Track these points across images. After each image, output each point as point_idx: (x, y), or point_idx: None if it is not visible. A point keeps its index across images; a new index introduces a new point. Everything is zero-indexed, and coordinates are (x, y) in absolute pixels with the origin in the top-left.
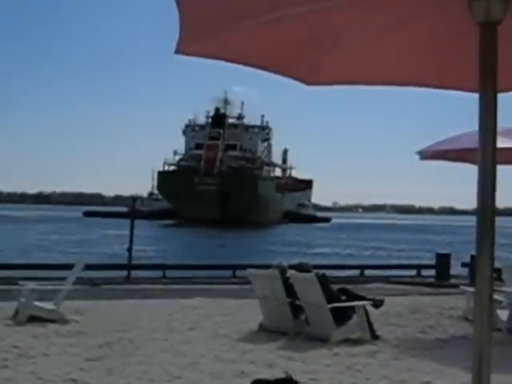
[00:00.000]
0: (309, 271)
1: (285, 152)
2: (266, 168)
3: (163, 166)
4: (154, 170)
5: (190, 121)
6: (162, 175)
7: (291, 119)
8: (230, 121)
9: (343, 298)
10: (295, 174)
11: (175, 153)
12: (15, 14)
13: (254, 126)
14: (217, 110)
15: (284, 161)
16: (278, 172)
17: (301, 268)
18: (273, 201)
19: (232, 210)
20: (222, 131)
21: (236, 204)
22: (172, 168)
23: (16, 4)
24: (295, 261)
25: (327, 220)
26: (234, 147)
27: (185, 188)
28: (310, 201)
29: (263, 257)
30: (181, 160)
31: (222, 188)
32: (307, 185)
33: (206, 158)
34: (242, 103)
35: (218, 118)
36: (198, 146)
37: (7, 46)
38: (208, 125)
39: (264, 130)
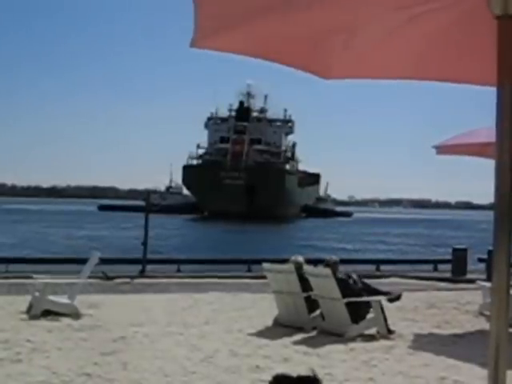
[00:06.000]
0: (330, 267)
1: (293, 146)
2: (291, 162)
3: (187, 160)
4: (171, 163)
5: (211, 114)
6: (188, 169)
7: (306, 113)
8: (254, 114)
9: (364, 294)
10: (301, 167)
11: (198, 146)
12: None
13: (277, 120)
14: (241, 103)
15: (293, 154)
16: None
17: (326, 264)
18: (296, 195)
19: (259, 205)
20: (247, 125)
21: (263, 198)
22: (196, 162)
23: None
24: (315, 255)
25: (348, 214)
26: (258, 141)
27: (211, 182)
28: (317, 195)
29: (286, 251)
30: (205, 154)
31: (249, 182)
32: (316, 179)
33: (233, 151)
34: (266, 96)
35: (243, 112)
36: (223, 140)
37: (18, 36)
38: (231, 118)
39: (287, 124)
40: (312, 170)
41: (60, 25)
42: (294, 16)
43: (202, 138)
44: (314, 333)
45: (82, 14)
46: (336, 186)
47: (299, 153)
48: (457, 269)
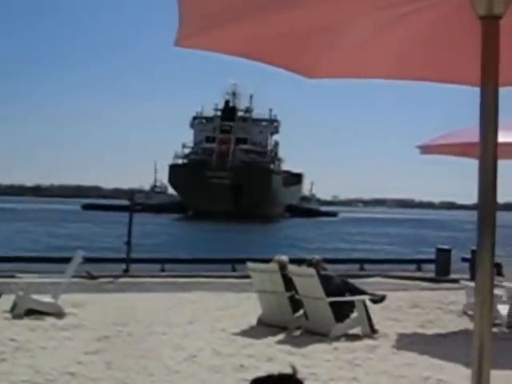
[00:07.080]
0: (314, 266)
1: (275, 145)
2: (277, 162)
3: (173, 160)
4: (156, 162)
5: (197, 113)
6: (174, 168)
7: (291, 112)
8: (239, 114)
9: (347, 294)
10: (284, 167)
11: (184, 146)
12: (18, 5)
13: (262, 120)
14: (227, 102)
15: (275, 154)
16: None
17: (309, 264)
18: (281, 195)
19: (245, 204)
20: (232, 124)
21: (249, 197)
22: (182, 161)
23: None
24: (299, 254)
25: (334, 214)
26: (244, 141)
27: (197, 181)
28: (300, 194)
29: (271, 250)
30: (191, 153)
31: (235, 182)
32: (298, 179)
33: (219, 151)
34: (251, 96)
35: (229, 111)
36: (209, 139)
37: (7, 40)
38: (216, 117)
39: (272, 124)
40: (294, 169)
41: (58, 25)
42: (278, 16)
43: (188, 137)
44: (297, 332)
45: (66, 20)
46: (320, 185)
47: (283, 152)
48: (440, 268)
